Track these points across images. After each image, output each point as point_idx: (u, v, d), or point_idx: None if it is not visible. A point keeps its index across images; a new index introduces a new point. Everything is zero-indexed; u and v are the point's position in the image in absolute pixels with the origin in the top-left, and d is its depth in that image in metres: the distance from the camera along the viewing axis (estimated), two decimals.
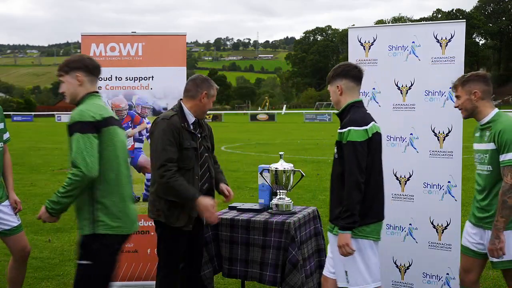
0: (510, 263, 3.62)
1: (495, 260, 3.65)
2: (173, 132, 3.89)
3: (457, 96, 3.80)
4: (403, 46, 4.79)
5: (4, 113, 4.57)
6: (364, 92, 4.95)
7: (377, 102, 4.90)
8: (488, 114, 3.72)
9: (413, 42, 4.74)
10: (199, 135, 4.11)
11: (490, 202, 3.70)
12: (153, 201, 4.02)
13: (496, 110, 3.75)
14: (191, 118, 4.07)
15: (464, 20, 4.84)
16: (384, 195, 3.63)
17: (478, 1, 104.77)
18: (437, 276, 4.70)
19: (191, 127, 4.06)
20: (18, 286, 4.53)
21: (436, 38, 4.67)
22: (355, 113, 3.56)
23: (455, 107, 3.84)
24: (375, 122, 3.61)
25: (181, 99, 4.15)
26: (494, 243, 3.54)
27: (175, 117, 3.97)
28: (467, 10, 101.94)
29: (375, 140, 3.53)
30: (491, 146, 3.62)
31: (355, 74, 3.66)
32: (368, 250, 3.52)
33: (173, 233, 3.99)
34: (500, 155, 3.56)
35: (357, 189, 3.39)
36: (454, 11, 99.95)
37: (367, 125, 3.49)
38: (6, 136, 4.53)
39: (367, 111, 3.67)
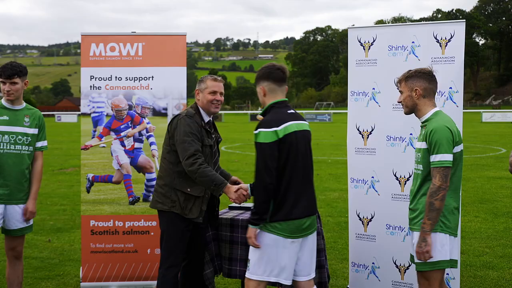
0: (433, 265, 3.57)
1: (418, 261, 3.62)
2: (198, 128, 4.09)
3: (400, 92, 3.78)
4: (403, 46, 4.80)
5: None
6: (364, 92, 4.97)
7: (377, 102, 4.91)
8: (427, 112, 3.67)
9: (413, 42, 4.75)
10: (213, 135, 4.27)
11: (417, 202, 3.65)
12: (166, 193, 4.13)
13: (436, 109, 3.68)
14: (206, 117, 4.23)
15: (464, 20, 4.84)
16: (303, 195, 3.64)
17: (478, 1, 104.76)
18: None
19: (207, 126, 4.22)
20: (15, 287, 4.53)
21: (436, 38, 4.68)
22: (271, 114, 3.67)
23: (398, 102, 3.83)
24: (300, 121, 3.71)
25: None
26: (421, 246, 3.50)
27: (196, 116, 4.15)
28: (467, 10, 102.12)
29: (289, 140, 3.58)
30: (423, 145, 3.59)
31: (277, 76, 3.75)
32: (274, 246, 3.61)
33: (180, 227, 4.09)
34: (430, 155, 3.53)
35: (263, 190, 3.52)
36: (454, 11, 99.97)
37: (278, 126, 3.56)
38: (40, 144, 4.52)
39: (290, 111, 3.73)
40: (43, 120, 4.57)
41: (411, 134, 4.75)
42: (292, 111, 3.76)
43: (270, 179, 3.50)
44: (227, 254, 4.41)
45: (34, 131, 4.46)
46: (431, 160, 3.51)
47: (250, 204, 4.78)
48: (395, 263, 4.88)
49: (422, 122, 3.69)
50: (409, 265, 4.81)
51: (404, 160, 4.76)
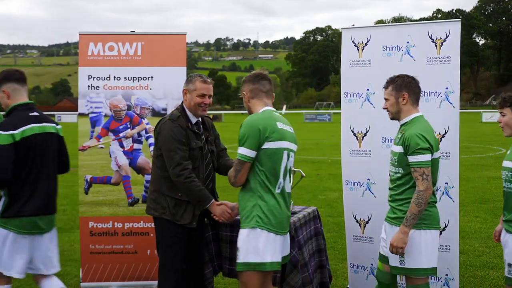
0: (409, 271, 3.68)
1: (393, 264, 3.72)
2: (183, 132, 3.97)
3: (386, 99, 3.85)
4: (397, 47, 4.76)
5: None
6: (358, 93, 4.93)
7: (371, 104, 4.88)
8: (407, 116, 3.78)
9: (408, 42, 4.72)
10: (204, 137, 4.15)
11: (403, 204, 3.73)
12: (156, 198, 4.05)
13: (418, 114, 3.81)
14: (193, 119, 4.11)
15: (459, 19, 4.79)
16: (39, 194, 3.85)
17: (478, 1, 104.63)
18: (437, 276, 4.68)
19: (195, 127, 4.10)
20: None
21: (431, 38, 4.64)
22: (12, 117, 3.84)
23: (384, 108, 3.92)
24: (45, 124, 3.92)
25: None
26: (397, 240, 3.58)
27: (181, 118, 4.04)
28: (467, 10, 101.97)
29: (28, 143, 3.78)
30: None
31: (18, 77, 3.93)
32: (7, 241, 3.80)
33: (175, 231, 4.01)
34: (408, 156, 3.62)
35: None
36: (454, 11, 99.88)
37: (15, 130, 3.73)
38: None
39: (33, 113, 3.90)
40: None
41: None
42: (35, 113, 3.93)
43: (4, 179, 3.71)
44: (227, 254, 4.39)
45: None
46: (410, 161, 3.59)
47: None
48: None
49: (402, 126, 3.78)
50: None
51: None
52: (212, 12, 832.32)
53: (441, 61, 4.61)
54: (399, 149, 3.67)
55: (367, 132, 4.91)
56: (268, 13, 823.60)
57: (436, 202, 3.74)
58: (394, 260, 3.74)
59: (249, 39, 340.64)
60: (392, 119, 3.87)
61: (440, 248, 4.62)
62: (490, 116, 46.35)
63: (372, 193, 4.89)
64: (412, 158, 3.58)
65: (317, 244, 4.66)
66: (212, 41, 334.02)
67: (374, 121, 4.86)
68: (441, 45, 4.61)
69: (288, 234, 3.80)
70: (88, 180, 5.36)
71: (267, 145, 3.53)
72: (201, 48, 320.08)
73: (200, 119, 4.16)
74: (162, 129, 4.00)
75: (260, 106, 3.72)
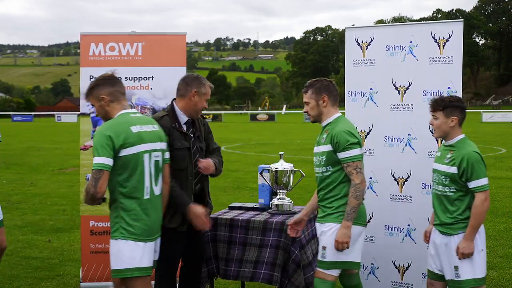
0: (329, 264, 3.75)
1: (319, 258, 3.79)
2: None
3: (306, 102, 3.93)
4: (400, 46, 4.78)
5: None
6: (361, 92, 4.95)
7: (374, 103, 4.90)
8: (329, 117, 3.89)
9: (411, 42, 4.74)
10: (192, 135, 4.07)
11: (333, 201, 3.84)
12: None
13: (339, 114, 3.91)
14: (183, 118, 4.05)
15: (462, 19, 4.81)
16: None
17: (478, 1, 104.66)
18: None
19: (184, 127, 4.04)
20: None
21: (434, 38, 4.67)
22: None
23: (304, 111, 4.00)
24: None
25: (174, 99, 4.13)
26: (341, 236, 3.64)
27: (165, 118, 3.97)
28: (467, 10, 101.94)
29: None
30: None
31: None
32: None
33: (168, 234, 3.94)
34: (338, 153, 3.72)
35: None
36: (454, 11, 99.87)
37: None
38: None
39: None
40: None
41: (409, 134, 4.75)
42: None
43: None
44: (224, 255, 4.38)
45: None
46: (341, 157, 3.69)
47: (251, 204, 4.80)
48: (394, 264, 4.87)
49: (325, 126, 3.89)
50: (409, 266, 4.82)
51: (402, 161, 4.76)
52: (212, 12, 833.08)
53: (443, 61, 4.63)
54: (327, 148, 3.75)
55: (370, 131, 4.93)
56: (268, 13, 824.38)
57: (363, 198, 3.77)
58: (318, 254, 3.82)
59: (249, 39, 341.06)
60: (313, 122, 3.99)
61: None
62: (490, 116, 46.40)
63: (374, 192, 4.90)
64: (343, 154, 3.67)
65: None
66: (212, 41, 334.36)
67: (377, 120, 4.89)
68: (444, 45, 4.63)
69: (159, 238, 3.68)
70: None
71: (123, 152, 3.39)
72: (201, 48, 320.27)
73: (189, 118, 4.07)
74: None
75: (118, 110, 3.56)
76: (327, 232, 3.73)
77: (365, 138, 4.94)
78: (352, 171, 3.66)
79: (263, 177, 4.66)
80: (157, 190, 3.59)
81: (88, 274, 5.31)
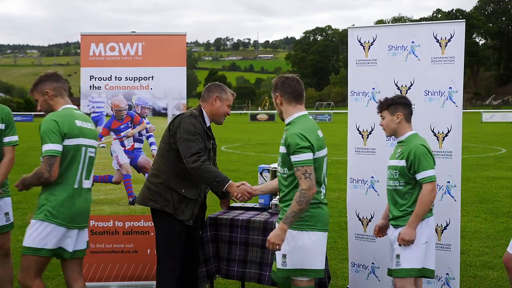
0: (290, 272, 3.65)
1: (278, 266, 3.69)
2: (202, 128, 4.11)
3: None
4: (402, 46, 4.80)
5: None
6: (364, 92, 4.96)
7: (376, 102, 4.89)
8: (289, 117, 3.74)
9: (413, 42, 4.75)
10: (211, 141, 4.29)
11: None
12: (161, 191, 4.10)
13: (300, 113, 3.72)
14: (207, 122, 4.24)
15: (464, 20, 4.83)
16: None
17: (478, 1, 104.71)
18: (437, 276, 4.69)
19: (208, 131, 4.24)
20: (6, 284, 4.53)
21: (435, 38, 4.67)
22: None
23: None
24: None
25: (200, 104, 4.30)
26: (274, 236, 3.55)
27: (199, 118, 4.16)
28: (467, 10, 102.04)
29: None
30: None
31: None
32: None
33: (175, 227, 4.07)
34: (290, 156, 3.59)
35: None
36: (454, 11, 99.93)
37: None
38: (8, 139, 4.39)
39: None
40: (11, 116, 4.46)
41: None
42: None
43: None
44: (225, 255, 4.39)
45: (1, 126, 4.39)
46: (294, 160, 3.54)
47: (251, 204, 4.79)
48: None
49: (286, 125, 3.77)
50: None
51: None
52: (212, 12, 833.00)
53: (445, 61, 4.63)
54: (283, 149, 3.66)
55: (372, 130, 4.94)
56: (268, 13, 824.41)
57: (321, 203, 3.66)
58: (277, 262, 3.69)
59: (249, 39, 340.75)
60: (282, 120, 3.84)
61: (440, 247, 4.65)
62: (490, 116, 46.44)
63: (376, 191, 4.90)
64: (293, 158, 3.52)
65: None
66: (212, 41, 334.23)
67: (379, 119, 4.88)
68: (446, 45, 4.64)
69: (86, 229, 3.91)
70: None
71: (66, 142, 3.67)
72: (201, 48, 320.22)
73: (209, 126, 4.28)
74: (183, 122, 4.06)
75: (62, 104, 3.85)
76: (286, 238, 3.57)
77: (367, 137, 4.95)
78: (300, 175, 3.49)
79: (263, 177, 4.66)
80: (86, 184, 3.83)
81: (88, 274, 5.31)
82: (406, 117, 3.90)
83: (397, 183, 3.83)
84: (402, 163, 3.79)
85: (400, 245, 3.75)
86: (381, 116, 3.98)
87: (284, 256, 3.63)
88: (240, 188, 4.00)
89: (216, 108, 4.23)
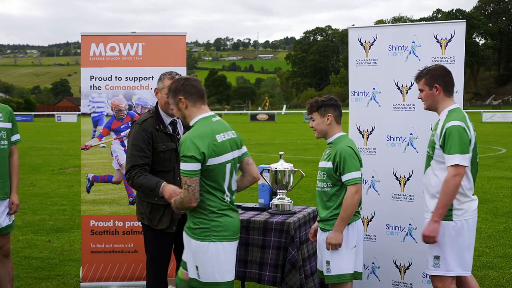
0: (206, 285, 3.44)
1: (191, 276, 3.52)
2: (144, 137, 3.87)
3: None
4: (403, 46, 4.80)
5: None
6: (364, 92, 4.96)
7: (377, 102, 4.90)
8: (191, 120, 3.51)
9: (413, 42, 4.75)
10: (178, 136, 4.04)
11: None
12: (137, 203, 4.08)
13: (201, 115, 3.48)
14: (167, 119, 4.03)
15: (464, 20, 4.83)
16: None
17: (478, 1, 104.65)
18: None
19: (169, 128, 4.02)
20: (6, 284, 4.54)
21: (436, 38, 4.68)
22: None
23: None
24: None
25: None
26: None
27: (148, 120, 3.95)
28: (467, 10, 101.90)
29: None
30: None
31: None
32: None
33: (157, 234, 3.99)
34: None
35: None
36: (454, 11, 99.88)
37: None
38: (14, 138, 4.54)
39: None
40: (13, 114, 4.59)
41: (411, 134, 4.75)
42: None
43: None
44: None
45: (8, 125, 4.45)
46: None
47: (251, 204, 4.79)
48: (395, 263, 4.87)
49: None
50: (409, 265, 4.81)
51: (404, 160, 4.76)
52: (211, 12, 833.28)
53: (446, 61, 4.63)
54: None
55: (372, 130, 4.94)
56: (267, 13, 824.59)
57: (226, 210, 3.43)
58: (191, 272, 3.48)
59: (249, 39, 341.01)
60: (188, 125, 3.59)
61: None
62: (490, 116, 46.38)
63: (376, 191, 4.90)
64: (180, 165, 3.34)
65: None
66: (212, 41, 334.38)
67: (379, 119, 4.90)
68: (446, 45, 4.64)
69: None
70: (90, 178, 5.39)
71: None
72: (201, 48, 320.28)
73: (177, 118, 3.99)
74: (129, 133, 3.98)
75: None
76: (195, 251, 3.44)
77: (368, 137, 4.95)
78: (183, 184, 3.32)
79: (263, 177, 4.66)
80: None
81: (88, 274, 5.31)
82: (336, 118, 3.92)
83: (325, 184, 3.86)
84: (329, 164, 3.83)
85: (328, 249, 3.78)
86: (311, 118, 3.97)
87: (196, 267, 3.43)
88: (170, 188, 3.69)
89: (160, 101, 3.99)
